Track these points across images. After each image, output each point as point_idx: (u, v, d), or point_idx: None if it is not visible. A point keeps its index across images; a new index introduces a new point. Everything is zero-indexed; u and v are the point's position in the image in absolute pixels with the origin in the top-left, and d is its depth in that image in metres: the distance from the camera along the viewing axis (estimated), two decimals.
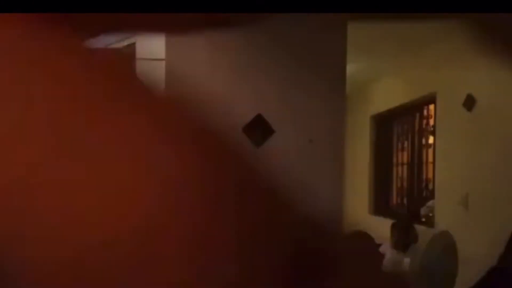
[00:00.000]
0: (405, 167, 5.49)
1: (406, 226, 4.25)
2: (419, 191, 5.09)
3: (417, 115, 5.16)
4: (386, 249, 4.13)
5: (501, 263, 1.37)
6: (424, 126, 4.98)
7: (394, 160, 5.80)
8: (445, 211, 4.22)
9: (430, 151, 4.78)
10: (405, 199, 5.52)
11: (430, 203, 4.73)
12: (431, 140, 4.78)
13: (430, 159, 4.74)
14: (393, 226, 4.26)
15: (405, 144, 5.49)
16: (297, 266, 0.12)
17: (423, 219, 4.88)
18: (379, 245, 3.72)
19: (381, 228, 4.38)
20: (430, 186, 4.76)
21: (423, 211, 4.95)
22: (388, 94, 5.66)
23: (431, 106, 4.72)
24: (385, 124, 6.06)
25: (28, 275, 0.10)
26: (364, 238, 2.08)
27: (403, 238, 4.12)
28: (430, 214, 4.71)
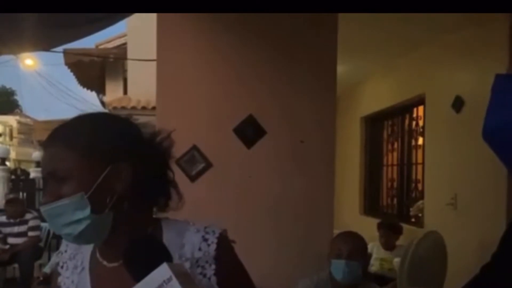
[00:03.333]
0: (395, 168, 5.53)
1: (393, 225, 4.29)
2: (409, 192, 5.13)
3: (407, 116, 5.20)
4: (374, 248, 4.16)
5: (494, 260, 1.36)
6: (413, 127, 5.02)
7: (384, 161, 5.84)
8: (434, 211, 4.25)
9: (420, 152, 4.81)
10: (395, 199, 5.55)
11: (419, 203, 4.76)
12: (420, 141, 4.82)
13: (420, 160, 4.78)
14: (380, 225, 4.29)
15: (395, 145, 5.53)
16: None
17: (413, 219, 4.91)
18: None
19: (371, 228, 4.40)
20: (420, 187, 4.80)
21: (412, 211, 4.99)
22: (378, 96, 5.70)
23: (420, 107, 4.76)
24: (375, 125, 6.10)
25: None
26: (354, 238, 2.09)
27: (390, 237, 4.15)
28: (420, 214, 4.75)
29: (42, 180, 9.13)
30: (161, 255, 0.77)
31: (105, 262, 0.91)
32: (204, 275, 0.88)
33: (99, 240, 0.88)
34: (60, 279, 0.96)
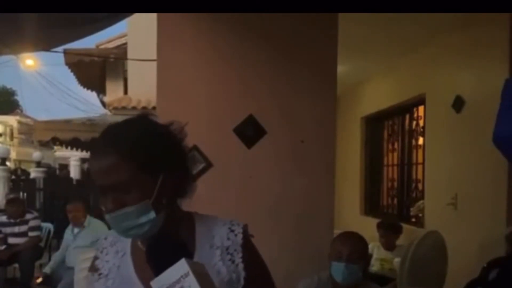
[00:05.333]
0: (395, 168, 5.53)
1: (393, 225, 4.29)
2: (409, 192, 5.13)
3: (407, 116, 5.20)
4: (375, 248, 4.16)
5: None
6: (414, 127, 5.02)
7: (385, 161, 5.84)
8: (434, 211, 4.25)
9: (420, 152, 4.81)
10: (395, 199, 5.55)
11: (420, 203, 4.76)
12: (420, 141, 4.82)
13: (420, 160, 4.78)
14: (379, 225, 4.29)
15: (395, 145, 5.53)
16: None
17: (413, 219, 4.91)
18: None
19: (372, 228, 4.40)
20: (420, 187, 4.80)
21: (413, 211, 4.99)
22: (378, 96, 5.70)
23: (421, 107, 4.76)
24: (376, 125, 6.10)
25: None
26: (355, 238, 2.08)
27: (391, 237, 4.15)
28: (420, 214, 4.75)
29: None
30: (181, 252, 0.83)
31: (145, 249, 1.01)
32: (233, 262, 1.03)
33: (152, 234, 0.98)
34: (98, 262, 1.08)
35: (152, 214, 0.95)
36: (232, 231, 1.06)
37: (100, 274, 1.05)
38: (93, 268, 1.08)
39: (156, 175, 0.97)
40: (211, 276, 0.88)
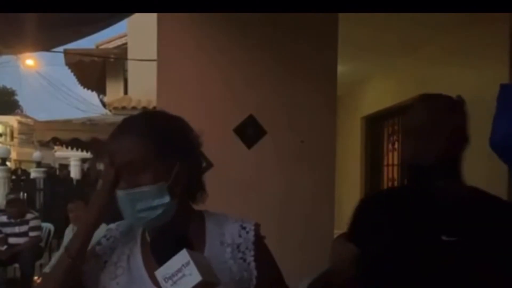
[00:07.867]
0: (395, 168, 5.53)
1: None
2: None
3: None
4: None
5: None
6: None
7: (385, 161, 5.84)
8: None
9: None
10: None
11: None
12: None
13: None
14: None
15: (395, 145, 5.53)
16: None
17: None
18: None
19: None
20: None
21: None
22: (378, 96, 5.70)
23: None
24: (376, 125, 6.10)
25: None
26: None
27: None
28: None
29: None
30: (184, 244, 0.86)
31: None
32: (244, 260, 0.99)
33: (161, 223, 0.96)
34: (99, 248, 1.04)
35: (166, 198, 0.93)
36: (244, 228, 1.02)
37: (105, 261, 1.01)
38: (94, 254, 1.03)
39: (173, 162, 0.96)
40: (223, 273, 0.91)
